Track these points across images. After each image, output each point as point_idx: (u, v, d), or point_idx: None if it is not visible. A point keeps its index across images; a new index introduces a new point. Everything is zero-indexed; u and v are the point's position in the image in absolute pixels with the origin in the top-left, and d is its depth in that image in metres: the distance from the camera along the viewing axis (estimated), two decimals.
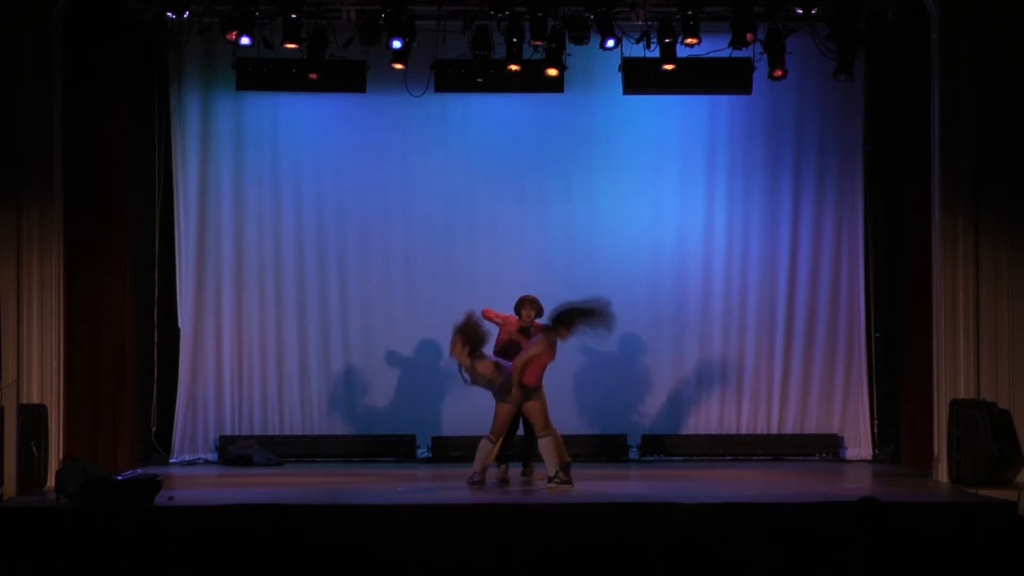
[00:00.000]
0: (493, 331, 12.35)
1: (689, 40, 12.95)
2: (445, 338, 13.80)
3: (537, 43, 12.92)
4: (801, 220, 14.55)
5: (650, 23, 13.20)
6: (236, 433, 14.38)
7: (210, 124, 14.42)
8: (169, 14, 12.59)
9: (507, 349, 12.14)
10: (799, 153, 14.56)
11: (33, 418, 11.77)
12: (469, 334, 11.83)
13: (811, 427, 14.53)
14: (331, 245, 14.55)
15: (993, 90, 12.32)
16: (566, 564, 7.59)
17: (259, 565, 7.37)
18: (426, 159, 14.53)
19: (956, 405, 12.21)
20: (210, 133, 14.43)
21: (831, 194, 14.55)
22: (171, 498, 10.87)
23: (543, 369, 11.84)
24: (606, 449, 14.25)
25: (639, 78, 13.55)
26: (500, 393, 11.80)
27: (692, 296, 14.58)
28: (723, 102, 14.42)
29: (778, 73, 13.32)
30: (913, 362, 13.27)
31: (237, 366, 14.45)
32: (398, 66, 13.18)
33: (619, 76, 13.62)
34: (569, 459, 11.94)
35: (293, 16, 12.77)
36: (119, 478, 11.19)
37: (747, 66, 13.47)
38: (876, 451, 14.39)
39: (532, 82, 13.48)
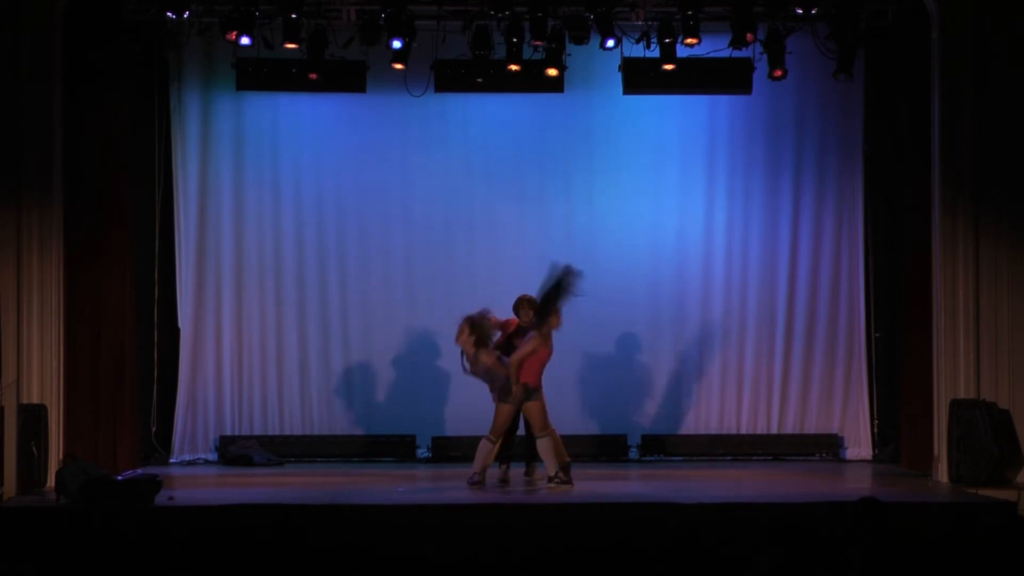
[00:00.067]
0: None
1: (689, 40, 12.95)
2: (445, 338, 13.85)
3: (537, 43, 12.92)
4: (801, 220, 14.55)
5: (650, 23, 13.21)
6: (236, 433, 14.38)
7: (210, 124, 14.42)
8: (169, 14, 12.59)
9: (507, 351, 12.13)
10: (799, 153, 14.56)
11: (33, 418, 11.77)
12: (477, 323, 11.85)
13: (811, 427, 14.53)
14: (331, 245, 14.55)
15: (993, 90, 12.32)
16: (566, 564, 7.58)
17: (259, 565, 7.37)
18: (426, 159, 14.53)
19: (956, 405, 12.21)
20: (210, 133, 14.43)
21: (831, 194, 14.55)
22: (171, 498, 10.87)
23: (542, 365, 11.83)
24: (606, 449, 14.25)
25: (639, 78, 13.56)
26: (501, 394, 11.80)
27: (692, 296, 14.58)
28: (723, 102, 14.42)
29: (778, 73, 13.32)
30: (913, 362, 13.27)
31: (237, 366, 14.45)
32: (398, 66, 13.19)
33: (619, 76, 13.62)
34: (568, 459, 11.94)
35: (293, 16, 12.77)
36: (119, 478, 11.19)
37: (747, 66, 13.48)
38: (876, 451, 14.39)
39: (532, 82, 13.48)
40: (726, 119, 14.53)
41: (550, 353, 11.89)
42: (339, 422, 14.51)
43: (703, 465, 13.98)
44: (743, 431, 14.54)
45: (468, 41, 13.12)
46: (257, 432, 14.40)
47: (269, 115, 14.46)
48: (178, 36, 13.67)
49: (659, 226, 14.56)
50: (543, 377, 11.91)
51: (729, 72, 13.54)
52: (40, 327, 12.06)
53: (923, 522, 9.70)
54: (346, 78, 13.63)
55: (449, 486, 12.06)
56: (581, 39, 13.03)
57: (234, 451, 14.07)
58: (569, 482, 11.78)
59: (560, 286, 11.85)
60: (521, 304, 12.24)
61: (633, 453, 14.34)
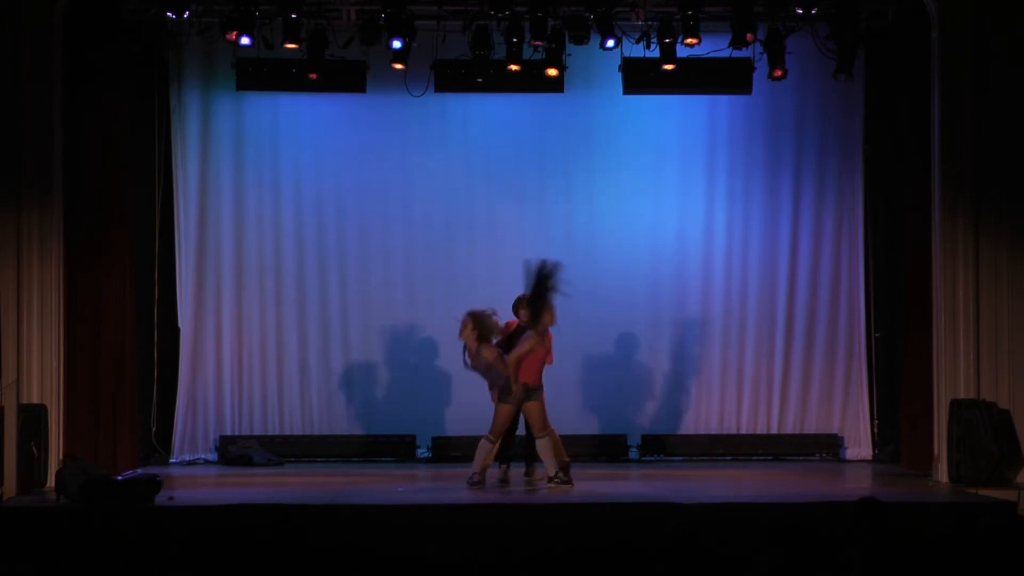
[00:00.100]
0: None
1: (689, 40, 12.95)
2: (445, 338, 13.87)
3: (537, 43, 12.92)
4: (801, 220, 14.55)
5: (650, 23, 13.21)
6: (236, 433, 14.38)
7: (210, 124, 14.42)
8: (169, 14, 12.59)
9: (508, 350, 12.13)
10: (799, 153, 14.56)
11: (33, 418, 11.77)
12: (480, 318, 11.86)
13: (811, 427, 14.53)
14: (331, 245, 14.55)
15: (993, 90, 12.32)
16: (566, 564, 7.58)
17: (259, 565, 7.37)
18: (426, 159, 14.53)
19: (956, 405, 12.21)
20: (210, 133, 14.43)
21: (831, 194, 14.55)
22: (171, 498, 10.87)
23: (541, 364, 11.82)
24: (606, 449, 14.25)
25: (639, 78, 13.56)
26: (500, 394, 11.80)
27: (692, 296, 14.58)
28: (723, 102, 14.42)
29: (778, 73, 13.32)
30: (913, 362, 13.27)
31: (237, 366, 14.45)
32: (398, 66, 13.19)
33: (619, 76, 13.62)
34: (568, 459, 11.94)
35: (293, 16, 12.77)
36: (119, 478, 11.19)
37: (747, 66, 13.48)
38: (876, 451, 14.39)
39: (532, 82, 13.48)
40: (726, 119, 14.53)
41: (548, 351, 11.87)
42: (339, 422, 14.51)
43: (703, 465, 13.98)
44: (743, 431, 14.54)
45: (468, 41, 13.12)
46: (257, 432, 14.40)
47: (269, 115, 14.46)
48: (178, 36, 13.67)
49: (659, 226, 14.56)
50: (543, 377, 11.92)
51: (729, 72, 13.54)
52: (40, 327, 12.06)
53: (923, 522, 9.70)
54: (346, 78, 13.63)
55: (449, 486, 12.06)
56: (581, 39, 13.03)
57: (234, 451, 14.07)
58: (569, 482, 11.78)
59: (541, 283, 11.84)
60: (521, 304, 12.23)
61: (633, 453, 14.34)
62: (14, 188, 12.05)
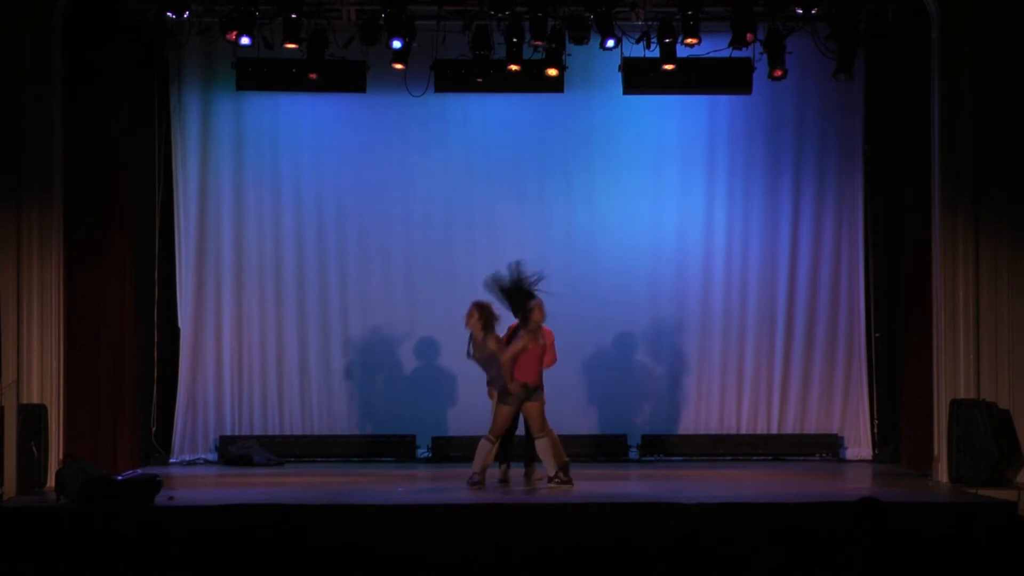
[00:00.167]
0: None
1: (689, 40, 12.95)
2: (445, 338, 13.90)
3: (537, 43, 12.92)
4: (801, 220, 14.55)
5: (650, 23, 13.20)
6: (236, 433, 14.38)
7: (210, 124, 14.42)
8: (169, 14, 12.59)
9: None
10: (799, 153, 14.56)
11: (33, 418, 11.77)
12: (486, 308, 11.95)
13: (811, 427, 14.53)
14: (331, 245, 14.55)
15: (993, 90, 12.32)
16: (566, 564, 7.58)
17: (259, 565, 7.37)
18: (426, 159, 14.53)
19: (956, 405, 12.21)
20: (210, 133, 14.43)
21: (831, 194, 14.55)
22: (171, 498, 10.87)
23: (539, 363, 11.79)
24: (606, 449, 14.25)
25: (639, 78, 13.55)
26: (500, 394, 11.81)
27: (692, 296, 14.58)
28: (723, 102, 14.42)
29: (778, 73, 13.32)
30: (913, 362, 13.27)
31: (237, 366, 14.45)
32: (398, 66, 13.19)
33: (619, 76, 13.62)
34: (567, 459, 11.94)
35: (293, 16, 12.77)
36: (119, 478, 11.20)
37: (747, 66, 13.47)
38: (876, 451, 14.39)
39: (532, 82, 13.48)
40: (726, 119, 14.53)
41: (541, 346, 11.83)
42: (339, 422, 14.51)
43: (703, 465, 13.98)
44: (743, 431, 14.54)
45: (468, 41, 13.12)
46: (257, 432, 14.40)
47: (269, 115, 14.46)
48: (178, 36, 13.67)
49: (659, 226, 14.56)
50: (544, 377, 11.92)
51: (729, 72, 13.53)
52: (40, 327, 12.06)
53: (923, 522, 9.70)
54: (346, 78, 13.63)
55: (449, 486, 12.06)
56: (581, 39, 13.03)
57: (234, 451, 14.07)
58: (569, 482, 11.78)
59: (516, 286, 11.86)
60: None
61: (633, 453, 14.33)
62: (14, 188, 12.05)
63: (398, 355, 14.49)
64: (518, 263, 12.04)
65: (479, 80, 13.50)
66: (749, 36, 12.86)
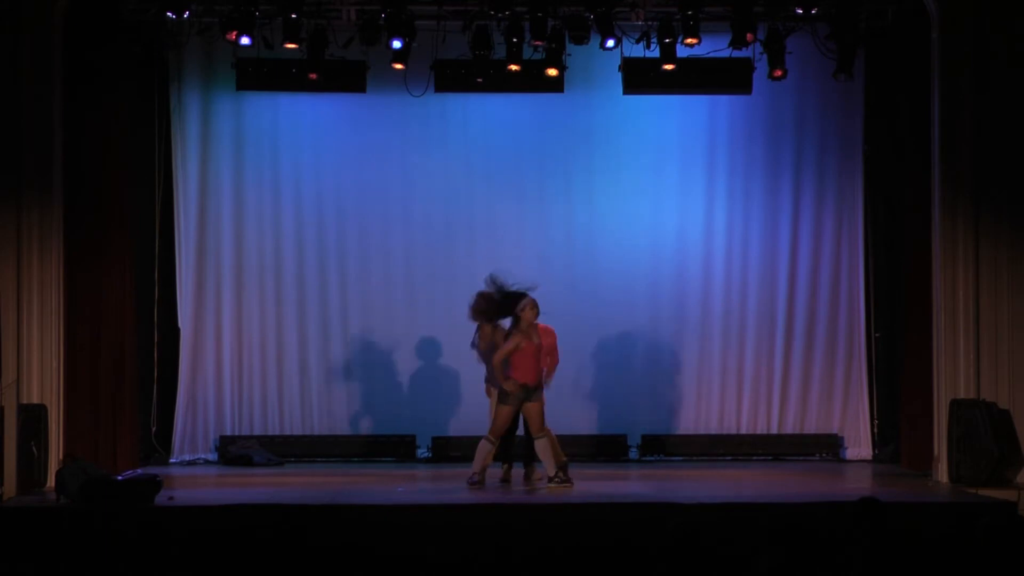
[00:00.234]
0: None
1: (689, 40, 12.95)
2: (445, 338, 13.90)
3: (537, 43, 12.92)
4: (801, 220, 14.55)
5: (650, 23, 13.20)
6: (236, 433, 14.38)
7: (210, 124, 14.42)
8: (169, 14, 12.59)
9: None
10: (799, 153, 14.56)
11: (33, 418, 11.77)
12: (491, 301, 11.93)
13: (811, 427, 14.53)
14: (331, 245, 14.55)
15: (993, 90, 12.32)
16: (566, 564, 7.58)
17: (259, 565, 7.37)
18: (426, 159, 14.53)
19: (956, 405, 12.21)
20: (210, 133, 14.43)
21: (831, 194, 14.55)
22: (171, 498, 10.87)
23: (536, 361, 11.74)
24: (606, 449, 14.25)
25: (639, 78, 13.55)
26: (500, 395, 11.81)
27: (692, 296, 14.57)
28: (723, 102, 14.42)
29: (778, 73, 13.32)
30: (913, 362, 13.27)
31: (237, 366, 14.45)
32: (398, 66, 13.18)
33: (619, 76, 13.62)
34: (566, 458, 11.93)
35: (293, 16, 12.77)
36: (119, 478, 11.19)
37: (747, 66, 13.47)
38: (876, 451, 14.39)
39: (532, 82, 13.48)
40: (726, 119, 14.53)
41: (535, 345, 11.80)
42: (339, 422, 14.51)
43: (703, 465, 13.98)
44: (743, 431, 14.54)
45: (468, 41, 13.12)
46: (257, 432, 14.40)
47: (269, 115, 14.46)
48: (178, 36, 13.66)
49: (659, 226, 14.56)
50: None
51: (729, 72, 13.53)
52: (40, 327, 12.06)
53: (923, 522, 9.70)
54: (346, 78, 13.63)
55: (449, 486, 12.06)
56: (581, 39, 13.03)
57: (234, 451, 14.07)
58: (569, 481, 11.77)
59: (502, 296, 11.86)
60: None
61: (633, 453, 14.33)
62: (14, 188, 12.05)
63: (398, 355, 14.49)
64: (491, 275, 11.97)
65: (479, 80, 13.50)
66: (749, 36, 12.86)
